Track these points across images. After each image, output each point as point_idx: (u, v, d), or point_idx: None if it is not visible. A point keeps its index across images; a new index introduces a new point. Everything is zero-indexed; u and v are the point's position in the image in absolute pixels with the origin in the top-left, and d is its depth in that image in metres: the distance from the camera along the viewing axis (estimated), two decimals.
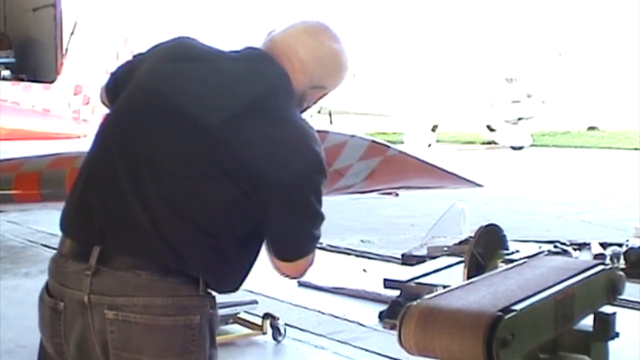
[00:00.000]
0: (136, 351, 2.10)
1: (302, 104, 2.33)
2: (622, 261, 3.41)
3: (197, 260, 2.13)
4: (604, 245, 3.70)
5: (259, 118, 2.14)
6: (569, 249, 3.63)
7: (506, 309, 1.97)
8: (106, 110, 2.43)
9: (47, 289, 2.24)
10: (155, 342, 2.10)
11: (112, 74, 2.43)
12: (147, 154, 2.15)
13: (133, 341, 2.10)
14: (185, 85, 2.21)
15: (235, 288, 2.27)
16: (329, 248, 8.50)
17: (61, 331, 2.18)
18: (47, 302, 2.21)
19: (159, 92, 2.21)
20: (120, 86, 2.32)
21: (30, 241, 9.08)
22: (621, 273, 2.56)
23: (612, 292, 2.50)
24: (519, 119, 24.25)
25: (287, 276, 2.32)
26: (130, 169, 2.14)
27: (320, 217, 2.21)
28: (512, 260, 2.77)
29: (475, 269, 2.74)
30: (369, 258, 8.28)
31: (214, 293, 2.23)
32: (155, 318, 2.09)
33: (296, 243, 2.24)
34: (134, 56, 2.41)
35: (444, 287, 2.47)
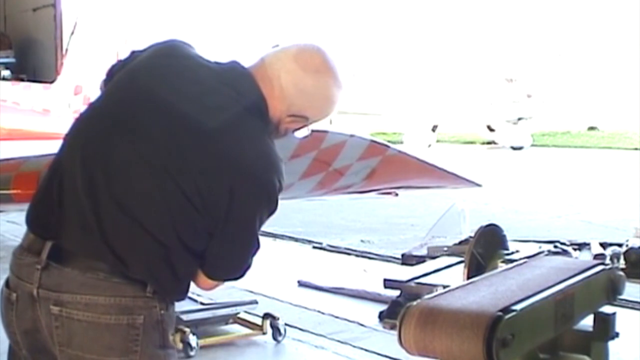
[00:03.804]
0: (79, 348, 2.12)
1: (278, 129, 2.28)
2: (622, 261, 3.40)
3: (140, 265, 2.13)
4: (604, 245, 3.69)
5: (222, 135, 2.12)
6: (569, 249, 3.63)
7: (506, 309, 1.97)
8: None
9: (7, 280, 2.28)
10: (98, 341, 2.11)
11: (109, 71, 2.44)
12: (105, 154, 2.15)
13: (76, 338, 2.12)
14: (157, 89, 2.20)
15: (182, 298, 2.26)
16: (329, 248, 8.50)
17: (14, 321, 2.22)
18: (3, 293, 2.26)
19: (128, 92, 2.22)
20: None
21: None
22: (621, 273, 2.55)
23: (612, 292, 2.50)
24: (519, 119, 24.24)
25: (200, 287, 2.31)
26: (86, 168, 2.15)
27: (255, 246, 2.22)
28: (512, 260, 2.77)
29: (475, 269, 2.74)
30: (369, 258, 8.28)
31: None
32: (97, 316, 2.10)
33: (229, 266, 2.25)
34: (131, 53, 2.41)
35: (444, 287, 2.47)
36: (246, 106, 2.19)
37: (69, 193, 2.17)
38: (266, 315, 5.45)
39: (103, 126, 2.20)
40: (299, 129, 2.34)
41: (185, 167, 2.11)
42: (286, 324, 5.51)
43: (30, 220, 2.27)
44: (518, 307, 2.01)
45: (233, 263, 2.24)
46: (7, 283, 2.27)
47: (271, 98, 2.23)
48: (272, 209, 2.19)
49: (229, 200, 2.11)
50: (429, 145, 23.44)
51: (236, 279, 2.28)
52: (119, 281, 2.11)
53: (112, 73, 2.39)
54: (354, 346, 5.41)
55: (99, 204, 2.11)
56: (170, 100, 2.17)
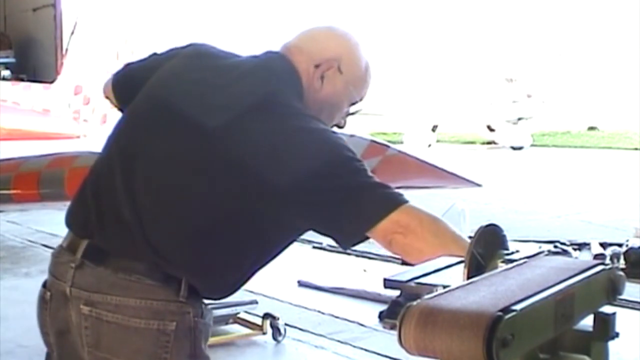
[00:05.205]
0: (107, 351, 2.09)
1: (314, 85, 2.27)
2: (622, 261, 3.40)
3: (181, 262, 2.09)
4: (604, 245, 3.69)
5: (262, 118, 2.10)
6: (569, 249, 3.62)
7: (506, 309, 1.96)
8: (107, 107, 2.47)
9: (45, 281, 2.27)
10: (126, 344, 2.07)
11: (122, 70, 2.48)
12: (142, 152, 2.16)
13: (104, 340, 2.08)
14: (191, 87, 2.22)
15: (227, 294, 2.22)
16: (328, 248, 8.50)
17: (47, 321, 2.21)
18: (39, 292, 2.25)
19: (164, 93, 2.23)
20: (130, 83, 2.36)
21: (30, 241, 9.08)
22: (621, 273, 2.55)
23: (612, 292, 2.49)
24: (519, 119, 24.22)
25: (410, 259, 2.13)
26: (124, 167, 2.15)
27: (363, 184, 2.12)
28: (512, 260, 2.76)
29: (475, 269, 2.73)
30: (369, 258, 8.27)
31: (204, 299, 2.19)
32: (127, 319, 2.06)
33: (353, 217, 2.16)
34: (149, 56, 2.44)
35: (444, 287, 2.46)
36: (280, 84, 2.19)
37: (105, 193, 2.17)
38: (266, 315, 5.46)
39: (139, 127, 2.23)
40: (356, 92, 2.43)
41: (230, 156, 2.06)
42: (286, 324, 5.51)
43: (69, 221, 2.27)
44: (518, 307, 2.00)
45: (351, 212, 2.14)
46: (44, 283, 2.27)
47: (292, 55, 2.27)
48: (341, 163, 2.10)
49: (286, 184, 2.03)
50: (429, 145, 23.42)
51: (388, 209, 2.11)
52: (151, 283, 2.07)
53: (124, 74, 2.43)
54: (354, 346, 5.41)
55: (136, 200, 2.09)
56: (208, 92, 2.17)
